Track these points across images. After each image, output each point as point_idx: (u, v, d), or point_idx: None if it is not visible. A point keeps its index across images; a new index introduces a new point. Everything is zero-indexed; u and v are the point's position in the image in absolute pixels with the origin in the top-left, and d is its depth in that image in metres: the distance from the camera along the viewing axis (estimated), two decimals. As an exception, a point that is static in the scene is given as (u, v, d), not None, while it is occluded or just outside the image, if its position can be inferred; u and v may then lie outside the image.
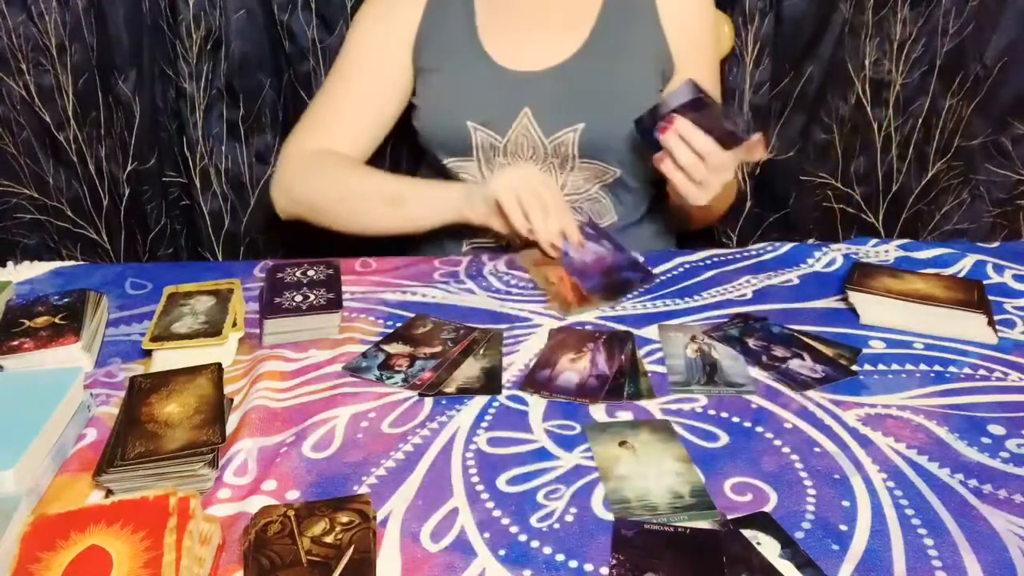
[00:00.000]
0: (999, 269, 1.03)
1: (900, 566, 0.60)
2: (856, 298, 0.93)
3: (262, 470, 0.71)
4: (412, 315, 0.94)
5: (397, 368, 0.84)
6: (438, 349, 0.87)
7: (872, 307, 0.92)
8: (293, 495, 0.68)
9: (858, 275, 0.95)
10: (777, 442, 0.74)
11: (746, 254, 1.09)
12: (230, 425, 0.76)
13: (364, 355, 0.87)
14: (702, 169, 0.99)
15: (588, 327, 0.92)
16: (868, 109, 1.44)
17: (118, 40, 1.35)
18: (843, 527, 0.64)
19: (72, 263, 1.10)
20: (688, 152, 0.98)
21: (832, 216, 1.53)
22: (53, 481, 0.70)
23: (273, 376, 0.83)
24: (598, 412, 0.78)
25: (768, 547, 0.61)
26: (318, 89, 1.41)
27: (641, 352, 0.87)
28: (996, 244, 1.10)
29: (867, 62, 1.41)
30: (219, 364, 0.81)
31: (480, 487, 0.69)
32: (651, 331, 0.91)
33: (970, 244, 1.11)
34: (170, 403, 0.75)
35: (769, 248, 1.11)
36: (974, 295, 0.91)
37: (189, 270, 1.13)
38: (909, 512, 0.65)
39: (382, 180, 1.17)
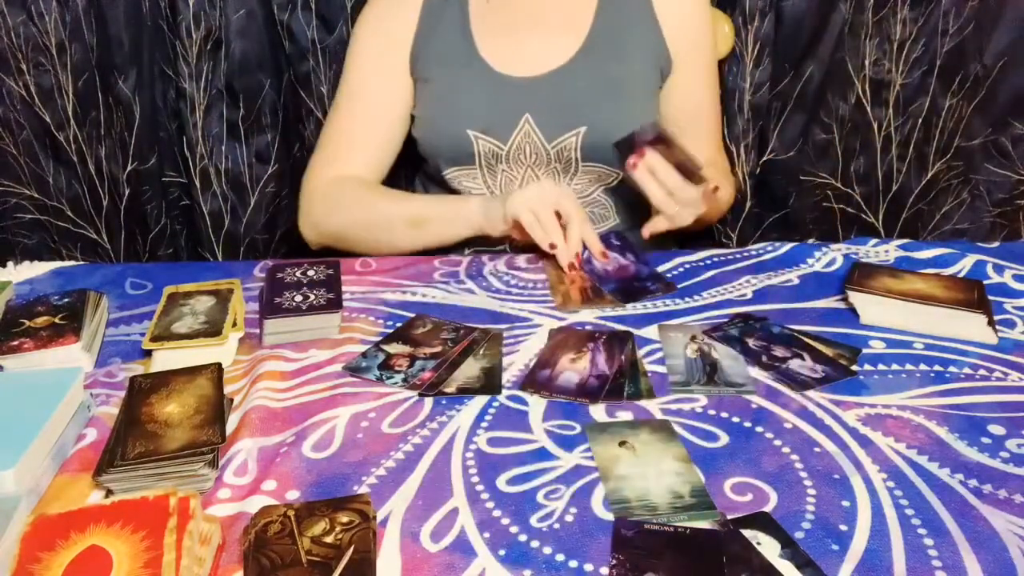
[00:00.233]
0: (999, 269, 1.03)
1: (900, 566, 0.60)
2: (856, 298, 0.93)
3: (262, 470, 0.71)
4: (412, 315, 0.94)
5: (397, 368, 0.84)
6: (438, 349, 0.87)
7: (872, 307, 0.92)
8: (293, 495, 0.68)
9: (858, 275, 0.95)
10: (777, 442, 0.74)
11: (746, 254, 1.09)
12: (230, 425, 0.76)
13: (364, 355, 0.87)
14: (672, 205, 1.03)
15: (588, 327, 0.92)
16: (868, 109, 1.44)
17: (118, 40, 1.35)
18: (843, 527, 0.64)
19: (72, 263, 1.10)
20: (657, 188, 1.02)
21: (832, 216, 1.53)
22: (53, 481, 0.70)
23: (273, 376, 0.83)
24: (598, 412, 0.78)
25: (768, 547, 0.61)
26: (318, 86, 1.42)
27: (641, 352, 0.87)
28: (996, 244, 1.10)
29: (867, 62, 1.41)
30: (219, 364, 0.81)
31: (480, 487, 0.69)
32: (651, 331, 0.91)
33: (970, 244, 1.11)
34: (170, 403, 0.75)
35: (769, 248, 1.11)
36: (974, 295, 0.91)
37: (189, 270, 1.13)
38: (909, 512, 0.65)
39: (401, 203, 1.16)
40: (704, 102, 1.24)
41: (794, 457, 0.72)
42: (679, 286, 1.01)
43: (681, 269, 1.06)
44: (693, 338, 0.89)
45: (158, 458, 0.68)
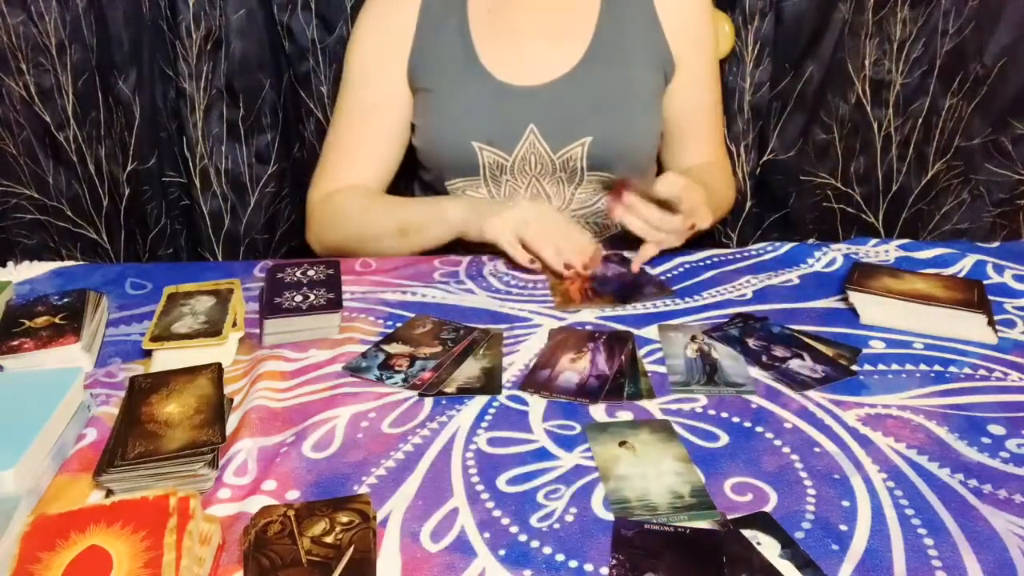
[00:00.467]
0: (999, 269, 1.03)
1: (900, 566, 0.60)
2: (856, 298, 0.93)
3: (262, 470, 0.71)
4: (412, 315, 0.94)
5: (397, 368, 0.84)
6: (438, 349, 0.87)
7: (872, 307, 0.92)
8: (293, 495, 0.68)
9: (858, 275, 0.95)
10: (777, 442, 0.74)
11: (746, 254, 1.09)
12: (230, 425, 0.76)
13: (364, 355, 0.87)
14: (656, 233, 1.03)
15: (588, 327, 0.92)
16: (868, 109, 1.44)
17: (118, 40, 1.35)
18: (843, 527, 0.64)
19: (72, 263, 1.10)
20: (640, 223, 1.03)
21: (832, 216, 1.53)
22: (53, 481, 0.70)
23: (273, 376, 0.83)
24: (598, 412, 0.78)
25: (768, 547, 0.61)
26: (318, 86, 1.42)
27: (641, 352, 0.87)
28: (996, 244, 1.10)
29: (867, 62, 1.41)
30: (219, 364, 0.81)
31: (480, 487, 0.69)
32: (651, 331, 0.91)
33: (970, 244, 1.11)
34: (170, 403, 0.75)
35: (769, 248, 1.11)
36: (974, 295, 0.91)
37: (189, 270, 1.13)
38: (909, 512, 0.65)
39: (388, 214, 1.15)
40: (705, 102, 1.24)
41: (794, 457, 0.72)
42: (679, 286, 1.01)
43: (681, 269, 1.06)
44: (693, 338, 0.89)
45: (158, 458, 0.68)
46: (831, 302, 0.97)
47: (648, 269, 1.05)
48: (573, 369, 0.84)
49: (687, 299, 0.98)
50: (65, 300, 0.92)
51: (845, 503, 0.66)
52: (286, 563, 0.59)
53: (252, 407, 0.78)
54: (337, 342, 0.90)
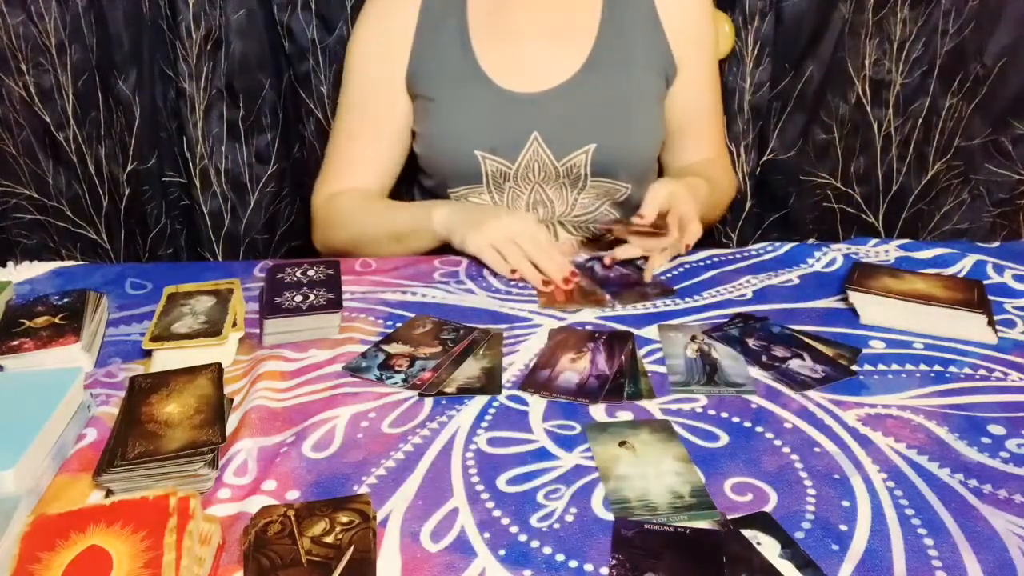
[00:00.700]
0: (999, 269, 1.03)
1: (900, 566, 0.60)
2: (856, 298, 0.93)
3: (262, 470, 0.71)
4: (412, 315, 0.94)
5: (397, 368, 0.84)
6: (438, 349, 0.87)
7: (872, 307, 0.92)
8: (293, 495, 0.68)
9: (858, 275, 0.95)
10: (777, 442, 0.74)
11: (746, 254, 1.09)
12: (230, 425, 0.76)
13: (364, 355, 0.87)
14: (663, 257, 1.06)
15: (588, 327, 0.92)
16: (868, 109, 1.44)
17: (118, 40, 1.35)
18: (843, 527, 0.64)
19: (72, 263, 1.10)
20: (638, 252, 1.06)
21: (832, 216, 1.53)
22: (53, 481, 0.70)
23: (273, 376, 0.83)
24: (598, 412, 0.78)
25: (768, 547, 0.61)
26: (318, 86, 1.41)
27: (641, 352, 0.87)
28: (996, 244, 1.10)
29: (867, 62, 1.41)
30: (219, 364, 0.81)
31: (480, 487, 0.68)
32: (651, 331, 0.91)
33: (970, 244, 1.11)
34: (170, 403, 0.75)
35: (769, 248, 1.11)
36: (974, 295, 0.91)
37: (189, 270, 1.13)
38: (909, 512, 0.65)
39: (382, 220, 1.15)
40: (706, 103, 1.24)
41: (794, 457, 0.72)
42: (679, 286, 1.01)
43: (681, 269, 1.06)
44: (693, 338, 0.89)
45: (158, 458, 0.68)
46: (831, 302, 0.97)
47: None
48: (573, 369, 0.84)
49: (687, 299, 0.98)
50: (65, 300, 0.92)
51: (845, 503, 0.66)
52: (286, 563, 0.59)
53: (252, 407, 0.78)
54: (337, 342, 0.90)
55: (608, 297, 0.98)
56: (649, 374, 0.83)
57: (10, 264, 1.08)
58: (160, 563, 0.55)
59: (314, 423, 0.76)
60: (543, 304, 0.97)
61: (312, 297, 0.93)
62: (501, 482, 0.69)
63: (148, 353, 0.86)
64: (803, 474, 0.69)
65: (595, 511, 0.66)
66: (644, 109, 1.16)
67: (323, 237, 1.23)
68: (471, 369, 0.84)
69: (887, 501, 0.66)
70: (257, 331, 0.91)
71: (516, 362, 0.86)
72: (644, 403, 0.79)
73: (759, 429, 0.75)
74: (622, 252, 1.06)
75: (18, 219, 1.48)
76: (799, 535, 0.63)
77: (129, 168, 1.44)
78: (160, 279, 1.02)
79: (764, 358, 0.85)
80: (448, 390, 0.81)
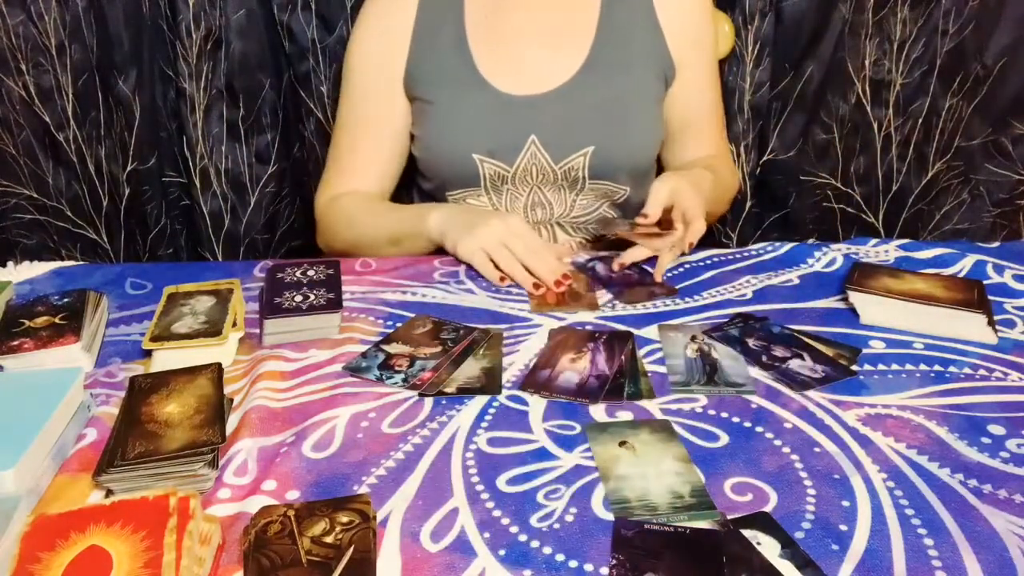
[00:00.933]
0: (999, 269, 1.03)
1: (900, 566, 0.60)
2: (856, 298, 0.93)
3: (262, 470, 0.71)
4: (412, 315, 0.94)
5: (397, 368, 0.84)
6: (438, 349, 0.87)
7: (872, 307, 0.92)
8: (293, 495, 0.68)
9: (858, 275, 0.95)
10: (777, 442, 0.74)
11: (746, 254, 1.09)
12: (230, 425, 0.76)
13: (364, 355, 0.87)
14: (672, 255, 1.05)
15: (588, 327, 0.92)
16: (868, 109, 1.44)
17: (118, 40, 1.36)
18: (843, 527, 0.64)
19: (72, 263, 1.10)
20: (644, 253, 1.05)
21: (832, 216, 1.53)
22: (53, 481, 0.70)
23: (273, 376, 0.83)
24: (598, 412, 0.78)
25: (768, 547, 0.61)
26: (317, 86, 1.42)
27: (641, 352, 0.87)
28: (996, 244, 1.10)
29: (867, 62, 1.41)
30: (219, 364, 0.81)
31: (480, 487, 0.69)
32: (651, 331, 0.91)
33: (970, 244, 1.11)
34: (170, 403, 0.75)
35: (769, 248, 1.11)
36: (974, 295, 0.91)
37: (189, 270, 1.13)
38: (909, 512, 0.65)
39: (380, 222, 1.15)
40: (706, 103, 1.24)
41: (794, 457, 0.72)
42: (679, 286, 1.01)
43: (681, 269, 1.06)
44: (693, 338, 0.89)
45: (158, 458, 0.68)
46: (831, 302, 0.97)
47: (650, 270, 1.05)
48: (573, 369, 0.84)
49: (687, 299, 0.98)
50: (65, 300, 0.92)
51: (845, 503, 0.66)
52: (286, 563, 0.59)
53: (252, 407, 0.78)
54: (337, 342, 0.90)
55: (599, 301, 0.98)
56: (649, 374, 0.83)
57: (10, 264, 1.08)
58: (160, 563, 0.55)
59: (314, 423, 0.76)
60: (534, 308, 0.96)
61: (312, 297, 0.93)
62: (501, 482, 0.69)
63: (148, 353, 0.86)
64: (803, 474, 0.70)
65: (595, 511, 0.66)
66: (642, 111, 1.15)
67: (326, 239, 1.23)
68: (471, 369, 0.84)
69: (887, 501, 0.66)
70: (257, 331, 0.91)
71: (516, 362, 0.86)
72: (644, 403, 0.79)
73: (759, 429, 0.75)
74: (630, 256, 1.05)
75: (18, 219, 1.48)
76: (799, 535, 0.63)
77: (129, 168, 1.44)
78: (160, 279, 1.02)
79: (764, 358, 0.85)
80: (448, 390, 0.81)
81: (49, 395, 0.74)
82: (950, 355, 0.86)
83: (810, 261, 1.07)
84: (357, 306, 0.97)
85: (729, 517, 0.64)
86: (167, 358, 0.84)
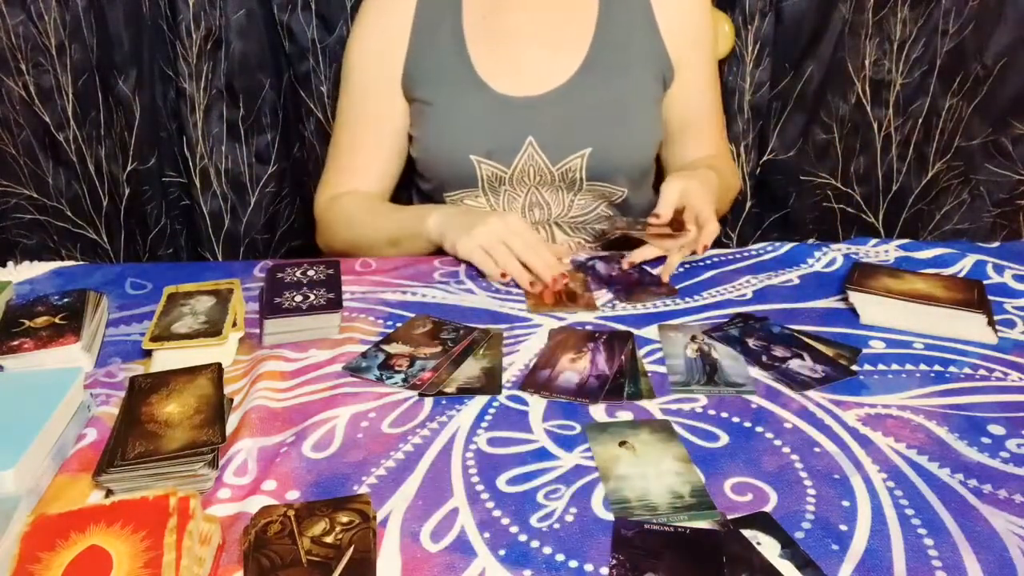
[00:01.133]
0: (999, 269, 1.03)
1: (900, 566, 0.60)
2: (856, 298, 0.93)
3: (262, 470, 0.71)
4: (412, 315, 0.94)
5: (397, 368, 0.84)
6: (438, 349, 0.87)
7: (872, 307, 0.92)
8: (293, 495, 0.68)
9: (858, 275, 0.95)
10: (777, 442, 0.74)
11: (746, 254, 1.09)
12: (230, 425, 0.76)
13: (364, 355, 0.87)
14: (680, 256, 1.04)
15: (588, 327, 0.92)
16: (868, 109, 1.44)
17: (118, 40, 1.36)
18: (843, 527, 0.64)
19: (72, 263, 1.10)
20: (655, 252, 1.05)
21: (832, 216, 1.53)
22: (53, 481, 0.70)
23: (273, 376, 0.83)
24: (598, 412, 0.78)
25: (768, 547, 0.61)
26: (317, 86, 1.42)
27: (641, 352, 0.87)
28: (996, 244, 1.10)
29: (867, 62, 1.41)
30: (219, 364, 0.81)
31: (480, 487, 0.69)
32: (651, 331, 0.91)
33: (970, 244, 1.11)
34: (170, 403, 0.75)
35: (769, 248, 1.11)
36: (974, 295, 0.91)
37: (189, 270, 1.13)
38: (909, 512, 0.65)
39: (379, 222, 1.15)
40: (706, 103, 1.23)
41: (794, 457, 0.72)
42: (679, 286, 1.01)
43: (681, 269, 1.06)
44: (693, 338, 0.89)
45: (158, 458, 0.68)
46: (831, 302, 0.97)
47: (651, 270, 1.05)
48: (573, 369, 0.84)
49: (687, 299, 0.98)
50: (65, 300, 0.92)
51: (845, 503, 0.66)
52: (286, 563, 0.59)
53: (252, 407, 0.78)
54: (337, 342, 0.90)
55: (599, 301, 0.98)
56: (649, 374, 0.83)
57: (10, 264, 1.08)
58: (160, 563, 0.55)
59: (314, 423, 0.76)
60: (531, 307, 0.96)
61: (312, 297, 0.93)
62: (501, 482, 0.69)
63: (148, 353, 0.86)
64: (803, 474, 0.69)
65: (595, 511, 0.66)
66: (640, 112, 1.15)
67: (325, 240, 1.23)
68: (471, 369, 0.84)
69: (887, 501, 0.66)
70: (257, 331, 0.91)
71: (516, 362, 0.86)
72: (644, 403, 0.79)
73: (759, 429, 0.75)
74: (639, 255, 1.05)
75: (18, 219, 1.48)
76: (799, 535, 0.63)
77: (129, 168, 1.44)
78: (160, 279, 1.02)
79: (764, 358, 0.85)
80: (448, 390, 0.81)
81: (49, 395, 0.74)
82: (950, 355, 0.86)
83: (810, 261, 1.07)
84: (357, 306, 0.97)
85: (729, 517, 0.64)
86: (167, 358, 0.84)
